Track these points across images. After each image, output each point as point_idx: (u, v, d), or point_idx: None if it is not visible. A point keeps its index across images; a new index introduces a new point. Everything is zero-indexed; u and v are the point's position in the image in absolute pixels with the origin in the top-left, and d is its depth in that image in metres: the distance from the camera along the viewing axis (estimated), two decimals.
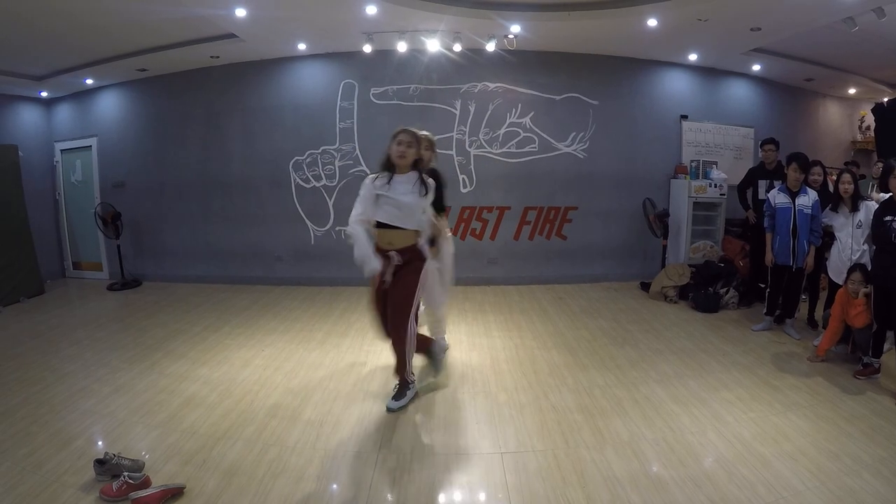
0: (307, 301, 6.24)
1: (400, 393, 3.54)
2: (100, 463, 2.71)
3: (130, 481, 2.55)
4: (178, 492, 2.56)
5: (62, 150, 7.81)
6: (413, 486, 2.65)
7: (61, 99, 7.69)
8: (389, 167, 3.31)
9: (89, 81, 7.13)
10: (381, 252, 3.30)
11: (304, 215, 7.00)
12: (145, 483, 2.58)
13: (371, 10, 5.04)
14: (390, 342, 3.48)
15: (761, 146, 5.82)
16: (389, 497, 2.57)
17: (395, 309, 3.38)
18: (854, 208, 4.36)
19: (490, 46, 6.04)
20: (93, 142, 7.55)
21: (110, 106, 7.44)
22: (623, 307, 5.88)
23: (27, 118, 7.54)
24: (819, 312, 5.04)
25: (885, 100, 7.06)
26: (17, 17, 4.85)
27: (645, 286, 6.57)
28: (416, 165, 3.36)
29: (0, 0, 4.46)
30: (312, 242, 7.05)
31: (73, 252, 8.01)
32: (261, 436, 3.13)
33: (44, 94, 7.46)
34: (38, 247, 6.99)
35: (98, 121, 7.52)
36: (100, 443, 3.09)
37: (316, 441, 3.07)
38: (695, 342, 4.72)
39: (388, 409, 3.45)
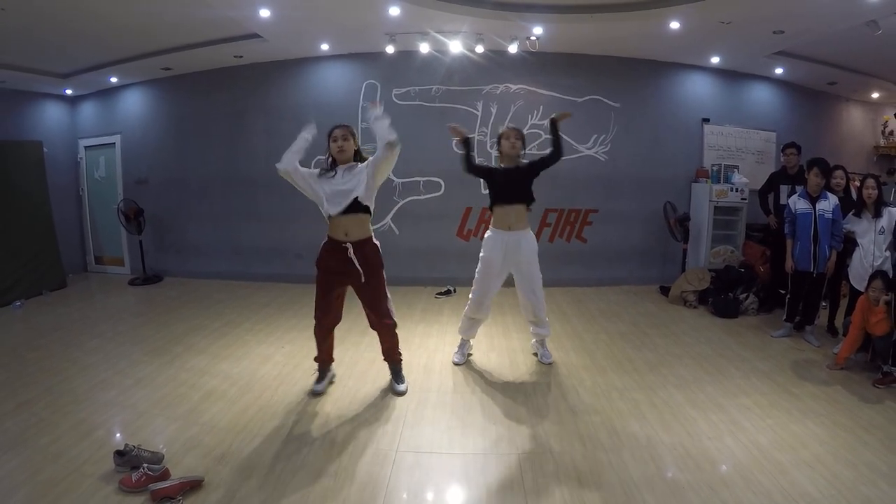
0: None
1: (401, 375, 3.82)
2: (119, 454, 2.74)
3: (150, 473, 2.57)
4: (196, 484, 2.58)
5: (86, 147, 7.96)
6: (430, 485, 2.67)
7: (86, 96, 7.83)
8: (333, 164, 3.56)
9: (114, 79, 7.25)
10: (338, 244, 3.48)
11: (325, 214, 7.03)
12: (164, 475, 2.60)
13: (394, 11, 5.06)
14: (382, 333, 3.74)
15: (783, 150, 5.77)
16: (406, 496, 2.59)
17: (376, 307, 3.66)
18: (877, 214, 4.32)
19: (512, 48, 6.04)
20: (116, 139, 7.68)
21: (134, 104, 7.57)
22: (642, 311, 5.85)
23: (52, 115, 7.69)
24: (839, 320, 4.98)
25: None
26: (43, 16, 4.94)
27: (664, 290, 6.53)
28: (357, 156, 3.56)
29: (31, 4, 4.57)
30: None
31: (95, 247, 8.16)
32: (279, 431, 3.17)
33: (69, 91, 7.61)
34: (60, 241, 7.12)
35: (122, 118, 7.65)
36: (119, 434, 3.13)
37: (334, 437, 3.10)
38: (714, 347, 4.68)
39: (402, 393, 3.71)
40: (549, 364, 4.27)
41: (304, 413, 3.41)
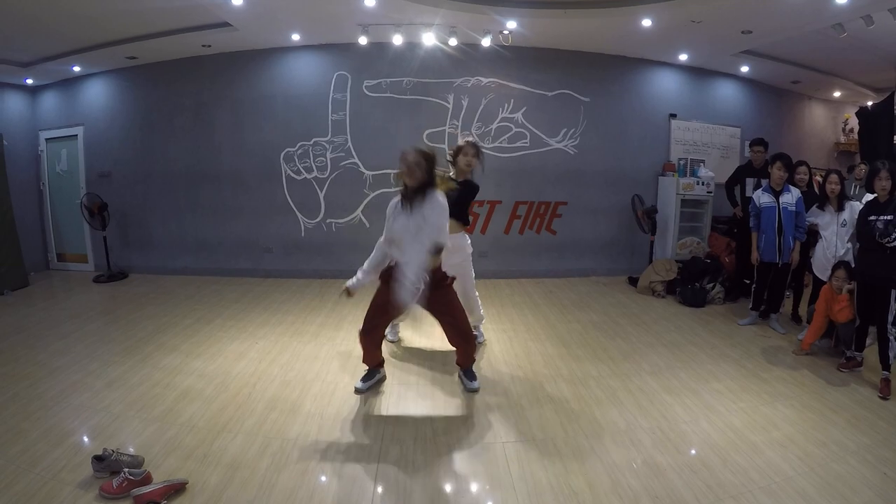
0: (297, 294, 6.23)
1: (472, 372, 3.72)
2: (98, 459, 2.64)
3: (131, 477, 2.49)
4: (180, 487, 2.52)
5: (47, 139, 7.65)
6: (418, 477, 2.68)
7: (47, 86, 7.52)
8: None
9: (77, 69, 6.99)
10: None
11: (294, 207, 6.98)
12: (146, 479, 2.53)
13: (369, 1, 5.03)
14: (461, 346, 3.64)
15: (750, 146, 5.92)
16: (394, 488, 2.59)
17: (455, 322, 3.53)
18: (840, 208, 4.49)
19: (485, 42, 6.07)
20: (79, 131, 7.41)
21: (98, 94, 7.32)
22: (612, 301, 5.97)
23: (11, 106, 7.36)
24: (803, 308, 5.18)
25: (869, 104, 7.22)
26: (2, 1, 4.75)
27: (633, 281, 6.68)
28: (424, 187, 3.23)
29: None
30: (303, 235, 7.04)
31: (57, 244, 7.85)
32: (261, 429, 3.12)
33: (29, 81, 7.30)
34: (21, 238, 6.83)
35: (85, 109, 7.38)
36: (95, 439, 3.01)
37: (318, 434, 3.08)
38: (683, 335, 4.82)
39: (476, 390, 3.63)
40: (482, 343, 4.52)
41: (284, 410, 3.37)
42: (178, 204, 7.22)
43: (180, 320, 5.23)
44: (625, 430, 3.11)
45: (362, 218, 6.90)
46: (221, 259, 7.20)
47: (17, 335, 4.85)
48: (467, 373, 3.72)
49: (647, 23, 5.38)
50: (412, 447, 2.94)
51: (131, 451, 2.84)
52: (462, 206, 3.99)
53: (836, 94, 8.20)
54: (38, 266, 7.64)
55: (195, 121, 7.03)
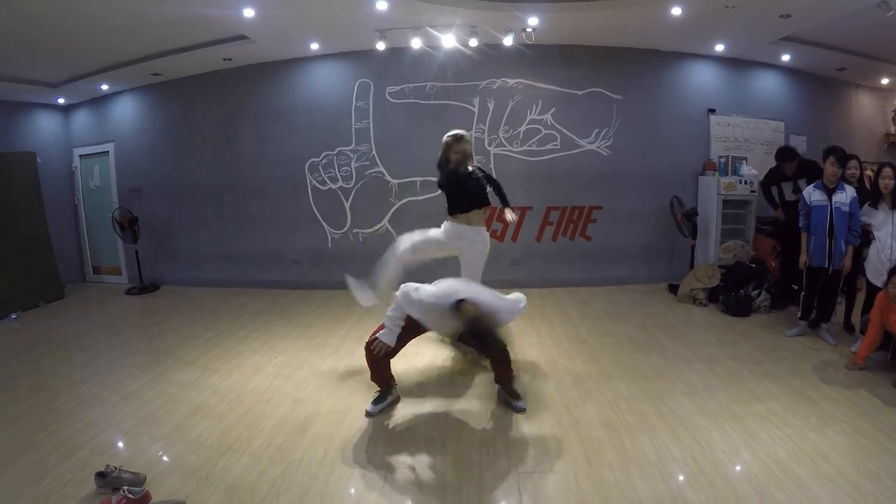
0: (323, 306, 6.14)
1: (516, 392, 3.55)
2: (101, 476, 2.67)
3: (130, 496, 2.49)
4: None
5: (80, 156, 7.86)
6: None
7: (78, 105, 7.73)
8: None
9: (105, 87, 7.16)
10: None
11: (320, 218, 6.91)
12: (145, 498, 2.52)
13: (381, 5, 4.89)
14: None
15: (783, 160, 5.51)
16: None
17: None
18: (894, 205, 4.10)
19: (508, 41, 5.86)
20: (110, 147, 7.58)
21: (126, 111, 7.46)
22: (650, 311, 5.64)
23: (45, 125, 7.61)
24: (856, 316, 4.74)
25: None
26: (27, 26, 4.84)
27: (673, 288, 6.32)
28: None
29: (14, 9, 4.46)
30: (329, 245, 6.96)
31: (92, 257, 8.07)
32: (267, 450, 3.03)
33: (61, 100, 7.53)
34: (58, 252, 7.05)
35: (114, 126, 7.54)
36: (102, 454, 3.02)
37: (323, 457, 2.95)
38: (725, 349, 4.47)
39: (523, 410, 3.43)
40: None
41: (292, 431, 3.26)
42: (206, 216, 7.28)
43: (203, 333, 5.24)
44: (655, 461, 2.83)
45: (389, 228, 6.75)
46: (249, 271, 7.20)
47: (45, 346, 5.00)
48: (508, 390, 3.54)
49: (676, 11, 5.06)
50: (418, 476, 2.77)
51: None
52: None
53: (885, 80, 7.61)
54: (76, 278, 7.88)
55: (220, 134, 7.06)
